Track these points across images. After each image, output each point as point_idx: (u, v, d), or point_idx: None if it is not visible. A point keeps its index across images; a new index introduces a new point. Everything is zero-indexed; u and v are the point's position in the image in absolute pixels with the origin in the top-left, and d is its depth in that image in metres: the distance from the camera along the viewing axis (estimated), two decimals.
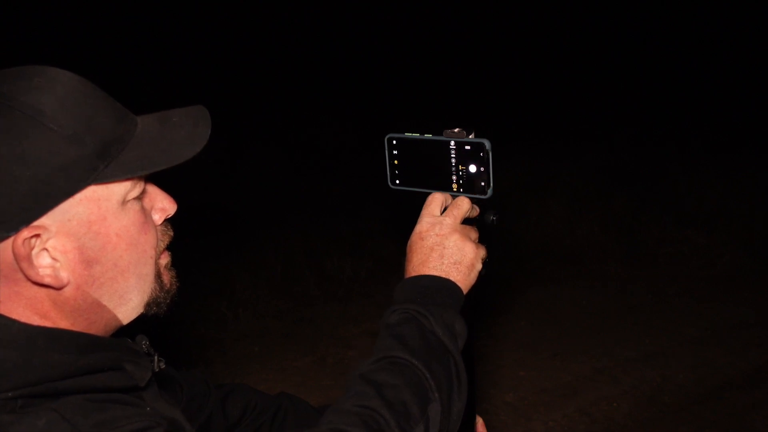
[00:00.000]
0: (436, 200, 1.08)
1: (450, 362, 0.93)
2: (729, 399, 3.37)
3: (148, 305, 0.92)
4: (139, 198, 0.89)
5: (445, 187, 1.11)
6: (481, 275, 1.08)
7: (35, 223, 0.79)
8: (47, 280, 0.81)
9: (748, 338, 3.94)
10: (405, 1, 11.42)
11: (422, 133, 1.12)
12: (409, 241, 1.07)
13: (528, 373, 3.63)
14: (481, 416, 1.27)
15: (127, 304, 0.89)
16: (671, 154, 6.95)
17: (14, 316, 0.81)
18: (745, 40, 9.97)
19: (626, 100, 9.19)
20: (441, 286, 1.00)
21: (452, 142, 1.08)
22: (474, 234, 1.07)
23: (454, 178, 1.09)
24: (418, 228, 1.06)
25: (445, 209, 1.08)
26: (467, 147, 1.07)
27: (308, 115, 8.58)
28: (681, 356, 3.77)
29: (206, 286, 4.43)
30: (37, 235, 0.79)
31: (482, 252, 1.05)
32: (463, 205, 1.07)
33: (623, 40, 10.67)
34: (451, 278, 1.01)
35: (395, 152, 1.14)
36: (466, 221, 1.09)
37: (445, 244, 1.02)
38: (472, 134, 1.08)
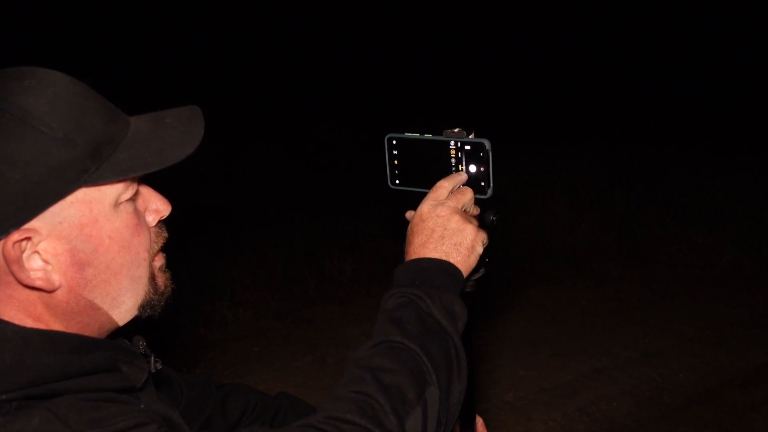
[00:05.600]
0: (443, 187, 1.07)
1: (449, 345, 0.92)
2: (729, 399, 3.36)
3: (141, 307, 0.91)
4: (132, 199, 0.88)
5: None
6: (484, 262, 1.07)
7: (26, 226, 0.78)
8: (38, 284, 0.80)
9: (747, 338, 3.93)
10: (405, 2, 11.42)
11: (422, 133, 1.12)
12: (410, 223, 1.06)
13: (528, 373, 3.62)
14: (481, 416, 1.27)
15: (121, 306, 0.88)
16: (671, 154, 6.95)
17: (7, 319, 0.80)
18: (746, 40, 9.97)
19: (626, 100, 9.20)
20: (440, 268, 0.99)
21: (452, 142, 1.08)
22: (475, 221, 1.06)
23: None
24: (419, 210, 1.05)
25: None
26: (467, 147, 1.07)
27: (308, 115, 8.59)
28: (681, 356, 3.76)
29: (206, 286, 4.43)
30: (28, 238, 0.78)
31: (483, 235, 1.04)
32: (467, 193, 1.07)
33: (624, 41, 10.67)
34: (451, 260, 1.00)
35: (395, 152, 1.14)
36: None
37: (446, 225, 1.02)
38: (472, 134, 1.08)
